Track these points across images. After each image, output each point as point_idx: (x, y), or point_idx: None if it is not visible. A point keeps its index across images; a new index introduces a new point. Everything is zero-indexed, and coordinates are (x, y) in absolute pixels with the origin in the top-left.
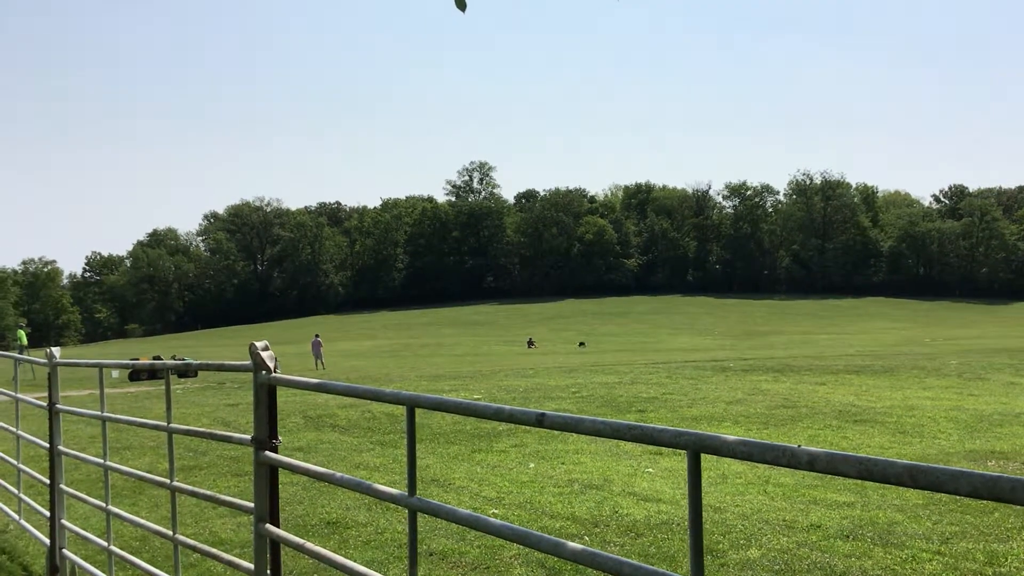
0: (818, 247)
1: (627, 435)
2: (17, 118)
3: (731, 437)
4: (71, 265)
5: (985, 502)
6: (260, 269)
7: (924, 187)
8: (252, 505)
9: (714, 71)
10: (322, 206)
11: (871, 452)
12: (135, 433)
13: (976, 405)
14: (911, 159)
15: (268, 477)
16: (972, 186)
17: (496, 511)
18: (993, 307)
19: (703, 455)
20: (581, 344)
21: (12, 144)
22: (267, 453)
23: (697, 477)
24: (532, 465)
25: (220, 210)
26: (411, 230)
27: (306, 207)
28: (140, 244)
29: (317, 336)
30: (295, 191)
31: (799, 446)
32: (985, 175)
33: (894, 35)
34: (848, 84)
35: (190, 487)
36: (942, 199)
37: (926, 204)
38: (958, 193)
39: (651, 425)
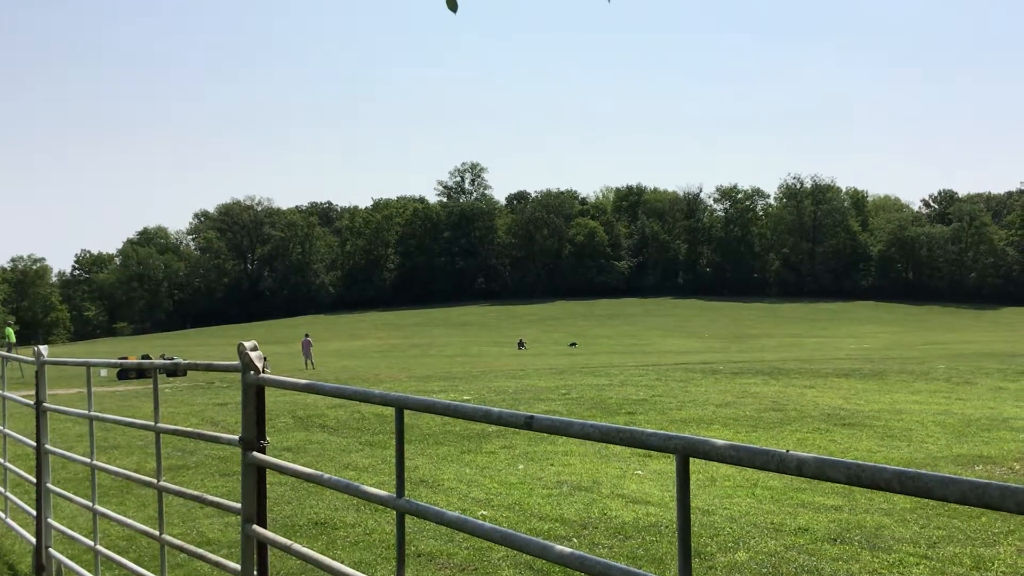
0: (808, 251)
1: (616, 438)
2: (7, 116)
3: (720, 441)
4: (60, 263)
5: (972, 507)
6: (250, 268)
7: (914, 192)
8: (239, 506)
9: (706, 74)
10: (313, 206)
11: (858, 456)
12: (123, 432)
13: (964, 410)
14: (901, 164)
15: (256, 478)
16: (961, 191)
17: (485, 512)
18: (981, 312)
19: (692, 458)
20: (572, 344)
21: (2, 142)
22: (255, 454)
23: (686, 481)
24: (521, 467)
25: (211, 209)
26: (402, 230)
27: (297, 207)
28: (130, 242)
29: (307, 336)
30: (286, 191)
31: (788, 451)
32: (974, 180)
33: (886, 40)
34: (839, 89)
35: (177, 487)
36: (931, 204)
37: (915, 209)
38: (947, 198)
39: (640, 428)
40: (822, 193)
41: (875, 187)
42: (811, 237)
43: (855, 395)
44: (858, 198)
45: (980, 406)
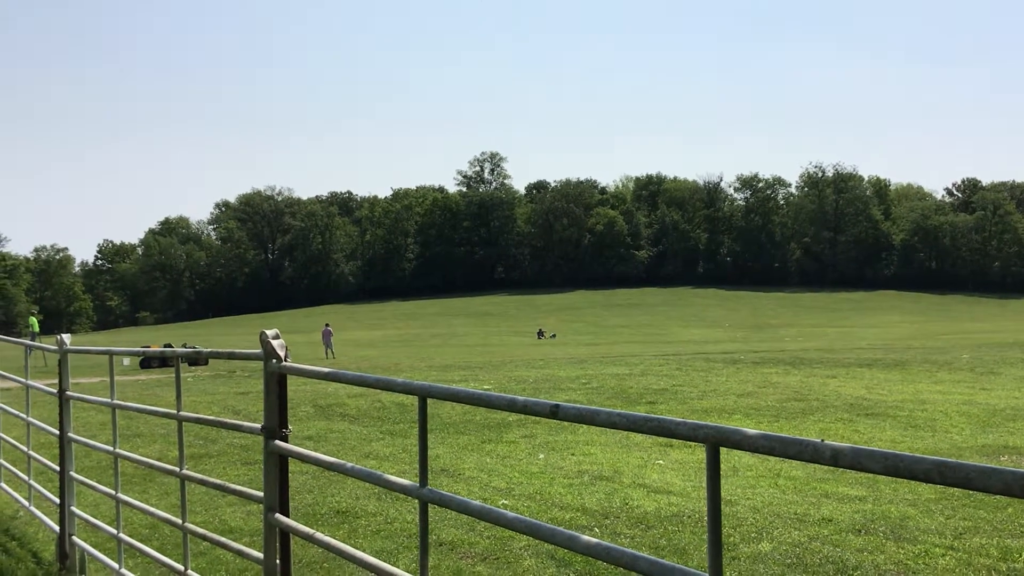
0: (830, 240)
1: (644, 428)
2: (31, 107)
3: (752, 431)
4: (83, 253)
5: (999, 497)
6: (271, 258)
7: (937, 180)
8: (262, 494)
9: (726, 63)
10: (333, 195)
11: (882, 446)
12: (145, 421)
13: (988, 399)
14: (924, 152)
15: (278, 466)
16: (985, 179)
17: (506, 502)
18: (1005, 301)
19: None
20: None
21: (26, 133)
22: (277, 442)
23: (716, 471)
24: (542, 456)
25: (232, 199)
26: (422, 220)
27: (317, 196)
28: (152, 232)
29: (327, 325)
30: (306, 180)
31: (822, 440)
32: (998, 168)
33: (908, 28)
34: (861, 77)
35: (200, 475)
36: (955, 192)
37: (939, 197)
38: (971, 186)
39: (669, 418)
40: (844, 182)
41: (897, 175)
42: (833, 226)
43: (878, 385)
44: (880, 187)
45: (1005, 396)
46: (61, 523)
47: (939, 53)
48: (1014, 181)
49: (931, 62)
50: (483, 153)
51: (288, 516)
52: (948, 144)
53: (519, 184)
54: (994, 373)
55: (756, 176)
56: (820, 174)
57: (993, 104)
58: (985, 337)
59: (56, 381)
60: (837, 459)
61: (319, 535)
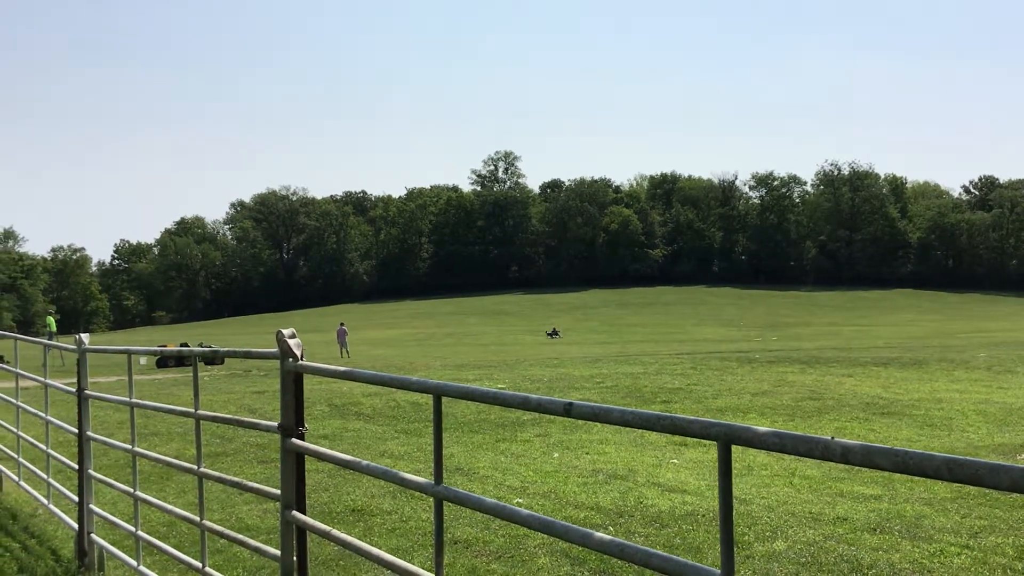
0: (846, 238)
1: (656, 426)
2: (47, 109)
3: (763, 428)
4: (100, 253)
5: (1015, 496)
6: (286, 258)
7: (954, 178)
8: (279, 492)
9: (740, 60)
10: (348, 195)
11: (898, 445)
12: (163, 419)
13: (1005, 398)
14: (941, 150)
15: (294, 464)
16: (1003, 177)
17: (520, 500)
18: (1023, 299)
19: (732, 446)
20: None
21: (42, 133)
22: (293, 440)
23: (728, 469)
24: (556, 455)
25: (247, 199)
26: (436, 219)
27: (332, 196)
28: (168, 232)
29: (342, 324)
30: (321, 180)
31: (833, 438)
32: (1016, 166)
33: (923, 24)
34: (877, 74)
35: (217, 473)
36: (972, 190)
37: (956, 195)
38: (988, 184)
39: (681, 416)
40: (860, 179)
41: (914, 173)
42: (849, 224)
43: (894, 384)
44: (897, 184)
45: (1022, 395)
46: (80, 521)
47: (955, 49)
48: None
49: (947, 58)
50: (497, 152)
51: (305, 514)
52: (965, 141)
53: (533, 183)
54: (1011, 372)
55: (771, 174)
56: (836, 172)
57: (1011, 101)
58: (1003, 336)
59: (74, 380)
60: (847, 456)
61: (336, 532)
